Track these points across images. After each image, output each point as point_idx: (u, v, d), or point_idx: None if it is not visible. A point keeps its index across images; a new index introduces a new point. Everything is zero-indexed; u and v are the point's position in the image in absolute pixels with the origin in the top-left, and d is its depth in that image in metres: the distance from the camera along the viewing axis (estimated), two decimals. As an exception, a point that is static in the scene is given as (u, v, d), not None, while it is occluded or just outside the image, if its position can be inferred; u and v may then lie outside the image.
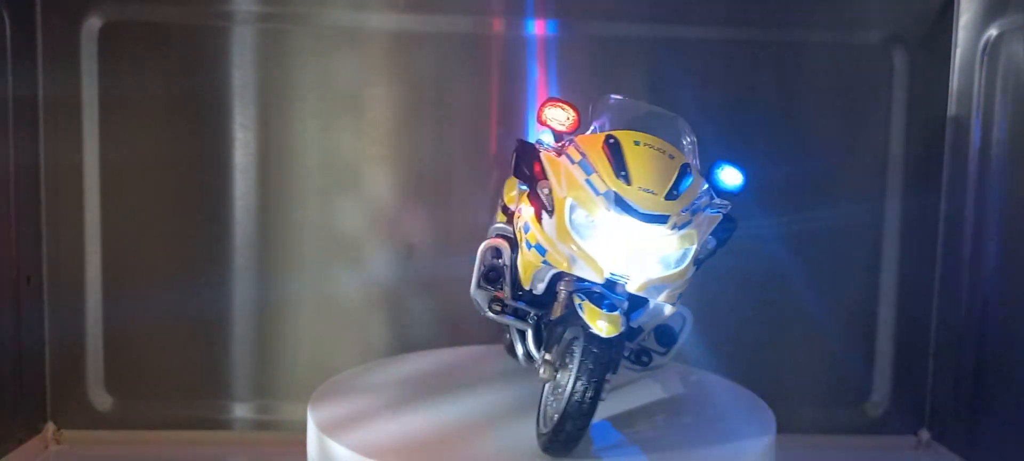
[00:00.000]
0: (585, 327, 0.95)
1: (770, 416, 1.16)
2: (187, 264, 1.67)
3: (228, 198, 1.66)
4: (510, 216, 1.22)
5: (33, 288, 1.62)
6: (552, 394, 1.03)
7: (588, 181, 0.99)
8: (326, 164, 1.67)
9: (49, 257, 1.64)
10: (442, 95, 1.68)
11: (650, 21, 1.68)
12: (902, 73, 1.70)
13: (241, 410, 1.72)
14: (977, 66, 1.64)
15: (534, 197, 1.02)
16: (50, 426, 1.67)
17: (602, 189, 0.98)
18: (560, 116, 1.06)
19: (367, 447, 1.00)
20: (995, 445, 1.57)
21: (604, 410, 1.17)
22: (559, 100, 1.06)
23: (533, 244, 1.03)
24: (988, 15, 1.62)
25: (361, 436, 1.04)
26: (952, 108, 1.70)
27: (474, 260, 1.14)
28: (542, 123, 1.07)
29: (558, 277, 1.03)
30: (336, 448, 1.01)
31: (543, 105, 1.07)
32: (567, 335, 1.02)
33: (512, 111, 1.70)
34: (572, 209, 0.98)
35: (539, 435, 1.03)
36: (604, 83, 1.69)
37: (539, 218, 1.02)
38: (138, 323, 1.67)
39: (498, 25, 1.68)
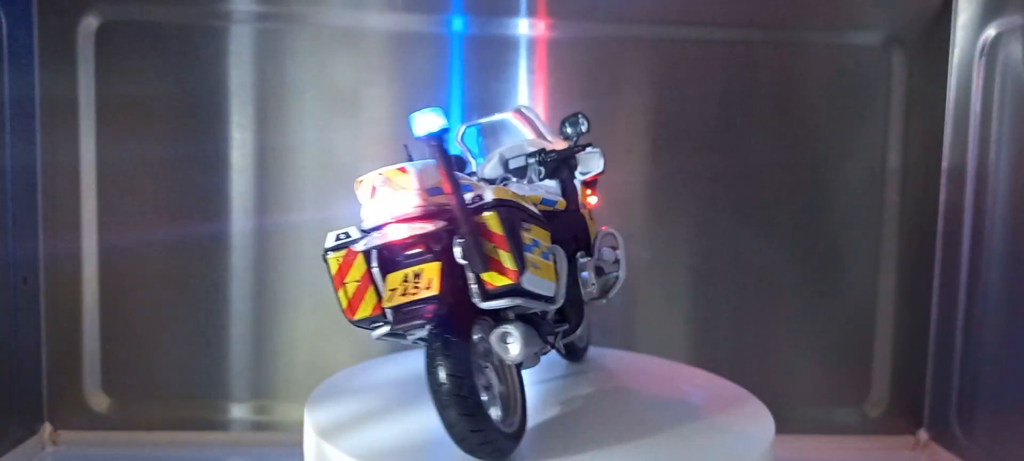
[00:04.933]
0: None
1: (769, 417, 1.15)
2: (184, 264, 1.67)
3: (225, 198, 1.66)
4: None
5: (29, 288, 1.61)
6: None
7: None
8: (323, 164, 1.67)
9: (46, 257, 1.64)
10: (440, 94, 1.67)
11: (649, 21, 1.68)
12: (900, 73, 1.71)
13: (238, 411, 1.71)
14: (975, 66, 1.64)
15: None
16: (47, 426, 1.67)
17: None
18: None
19: (365, 450, 1.00)
20: (993, 446, 1.57)
21: (603, 410, 1.16)
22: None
23: None
24: (986, 16, 1.62)
25: (359, 439, 1.04)
26: (950, 108, 1.69)
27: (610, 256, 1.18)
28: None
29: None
30: (334, 452, 1.00)
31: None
32: None
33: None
34: None
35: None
36: (603, 82, 1.69)
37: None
38: (135, 324, 1.67)
39: (493, 25, 1.68)
